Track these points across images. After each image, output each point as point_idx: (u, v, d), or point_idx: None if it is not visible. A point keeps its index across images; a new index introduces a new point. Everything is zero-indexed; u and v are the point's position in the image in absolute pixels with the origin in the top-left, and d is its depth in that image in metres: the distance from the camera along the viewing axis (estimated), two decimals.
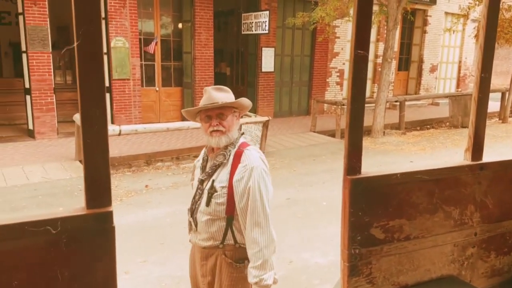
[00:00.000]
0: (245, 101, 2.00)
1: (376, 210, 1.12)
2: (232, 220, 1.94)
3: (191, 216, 2.03)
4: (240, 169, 1.90)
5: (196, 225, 2.00)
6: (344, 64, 13.14)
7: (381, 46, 12.96)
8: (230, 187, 1.90)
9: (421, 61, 15.65)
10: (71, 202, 5.36)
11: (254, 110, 11.26)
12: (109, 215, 0.63)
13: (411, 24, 15.17)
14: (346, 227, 1.06)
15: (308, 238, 4.51)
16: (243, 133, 2.07)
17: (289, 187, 6.17)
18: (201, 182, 2.00)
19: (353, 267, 1.07)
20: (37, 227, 0.58)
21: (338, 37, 12.66)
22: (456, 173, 1.30)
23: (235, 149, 1.96)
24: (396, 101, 11.75)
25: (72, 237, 0.60)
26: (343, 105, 10.08)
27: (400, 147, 9.12)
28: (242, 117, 9.57)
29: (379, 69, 11.25)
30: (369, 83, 14.25)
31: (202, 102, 1.95)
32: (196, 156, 8.89)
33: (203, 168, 2.04)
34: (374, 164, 7.40)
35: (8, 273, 0.58)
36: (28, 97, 8.60)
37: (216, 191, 1.92)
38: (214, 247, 1.97)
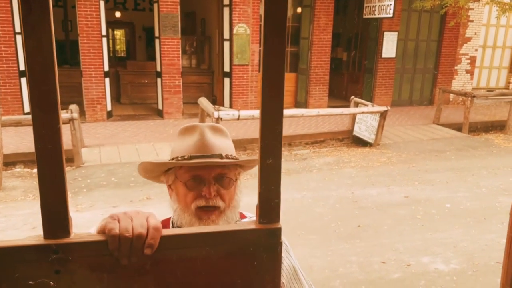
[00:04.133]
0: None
1: None
2: None
3: None
4: None
5: None
6: (476, 50, 11.83)
7: None
8: None
9: None
10: None
11: (370, 98, 10.82)
12: (278, 231, 0.67)
13: None
14: (511, 258, 0.94)
15: (428, 241, 4.23)
16: None
17: (407, 184, 5.83)
18: None
19: None
20: (219, 237, 0.65)
21: (472, 21, 11.42)
22: None
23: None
24: None
25: (244, 249, 0.66)
26: (474, 96, 9.12)
27: None
28: (357, 105, 9.22)
29: None
30: (504, 72, 12.67)
31: (190, 149, 1.10)
32: (308, 144, 8.75)
33: None
34: (504, 165, 6.61)
35: (193, 277, 0.65)
36: (159, 79, 9.43)
37: None
38: None
